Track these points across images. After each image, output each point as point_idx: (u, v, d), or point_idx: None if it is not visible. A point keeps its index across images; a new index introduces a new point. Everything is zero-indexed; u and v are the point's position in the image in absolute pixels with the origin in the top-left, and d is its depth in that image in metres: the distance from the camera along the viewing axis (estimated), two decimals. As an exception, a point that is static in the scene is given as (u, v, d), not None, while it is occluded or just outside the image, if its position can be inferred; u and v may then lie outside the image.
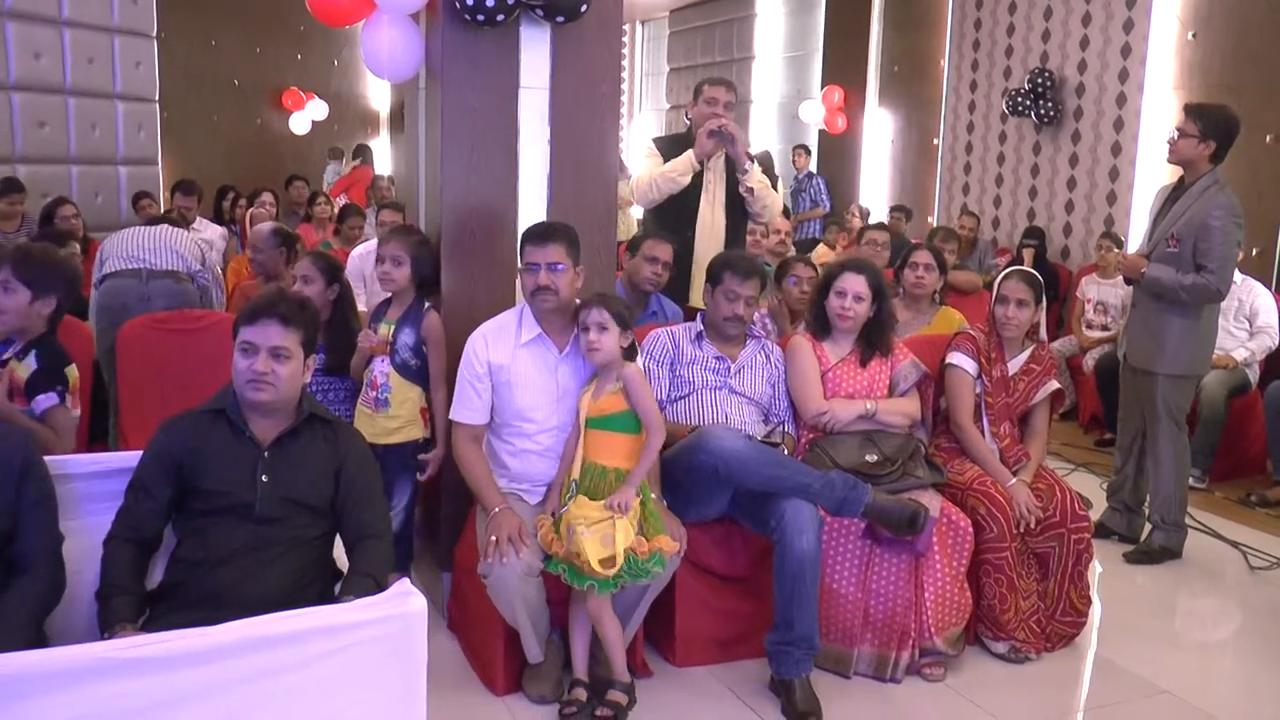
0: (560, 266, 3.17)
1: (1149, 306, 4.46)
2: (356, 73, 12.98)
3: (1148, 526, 4.68)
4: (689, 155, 4.70)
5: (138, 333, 4.26)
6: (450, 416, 3.34)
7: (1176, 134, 4.36)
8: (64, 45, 7.56)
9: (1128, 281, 4.59)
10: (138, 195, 7.99)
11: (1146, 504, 4.72)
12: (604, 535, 2.90)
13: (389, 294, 3.69)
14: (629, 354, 3.13)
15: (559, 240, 3.19)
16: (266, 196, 8.48)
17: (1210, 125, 4.28)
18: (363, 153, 12.69)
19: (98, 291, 4.89)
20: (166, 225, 5.40)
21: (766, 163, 4.98)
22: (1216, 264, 4.24)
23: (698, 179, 4.76)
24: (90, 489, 2.67)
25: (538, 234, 3.23)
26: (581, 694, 3.12)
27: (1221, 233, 4.23)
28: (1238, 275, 5.94)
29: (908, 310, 4.66)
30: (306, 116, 12.65)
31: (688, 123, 4.98)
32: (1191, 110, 4.36)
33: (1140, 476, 4.71)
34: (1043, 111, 8.32)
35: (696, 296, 4.58)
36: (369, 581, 2.44)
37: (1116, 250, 6.92)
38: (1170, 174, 7.24)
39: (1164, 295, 4.36)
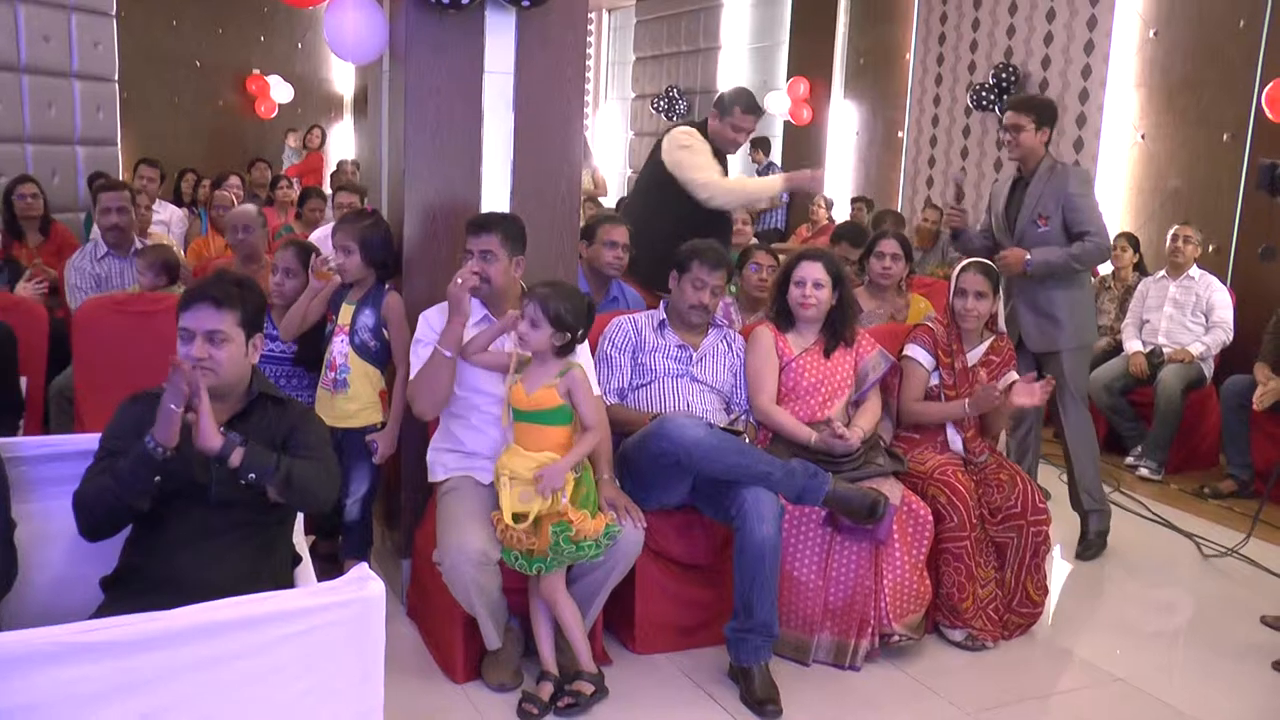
0: (493, 255, 3.26)
1: (1034, 291, 4.53)
2: (321, 56, 12.84)
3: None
4: (778, 187, 5.14)
5: (95, 314, 4.18)
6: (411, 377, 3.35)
7: (1013, 131, 4.48)
8: (18, 22, 7.41)
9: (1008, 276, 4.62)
10: (93, 176, 7.85)
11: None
12: (522, 492, 2.93)
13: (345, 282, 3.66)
14: (564, 351, 3.08)
15: (495, 230, 3.28)
16: (234, 180, 8.37)
17: (1041, 114, 4.50)
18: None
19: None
20: None
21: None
22: (1094, 226, 4.42)
23: None
24: (43, 472, 2.62)
25: (477, 223, 3.33)
26: (548, 689, 3.09)
27: (1085, 199, 4.44)
28: (1195, 270, 6.03)
29: (872, 299, 4.66)
30: (272, 101, 12.51)
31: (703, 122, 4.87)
32: (1020, 104, 4.57)
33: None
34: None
35: None
36: (274, 456, 2.40)
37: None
38: (1133, 172, 7.36)
39: (1055, 273, 4.46)
